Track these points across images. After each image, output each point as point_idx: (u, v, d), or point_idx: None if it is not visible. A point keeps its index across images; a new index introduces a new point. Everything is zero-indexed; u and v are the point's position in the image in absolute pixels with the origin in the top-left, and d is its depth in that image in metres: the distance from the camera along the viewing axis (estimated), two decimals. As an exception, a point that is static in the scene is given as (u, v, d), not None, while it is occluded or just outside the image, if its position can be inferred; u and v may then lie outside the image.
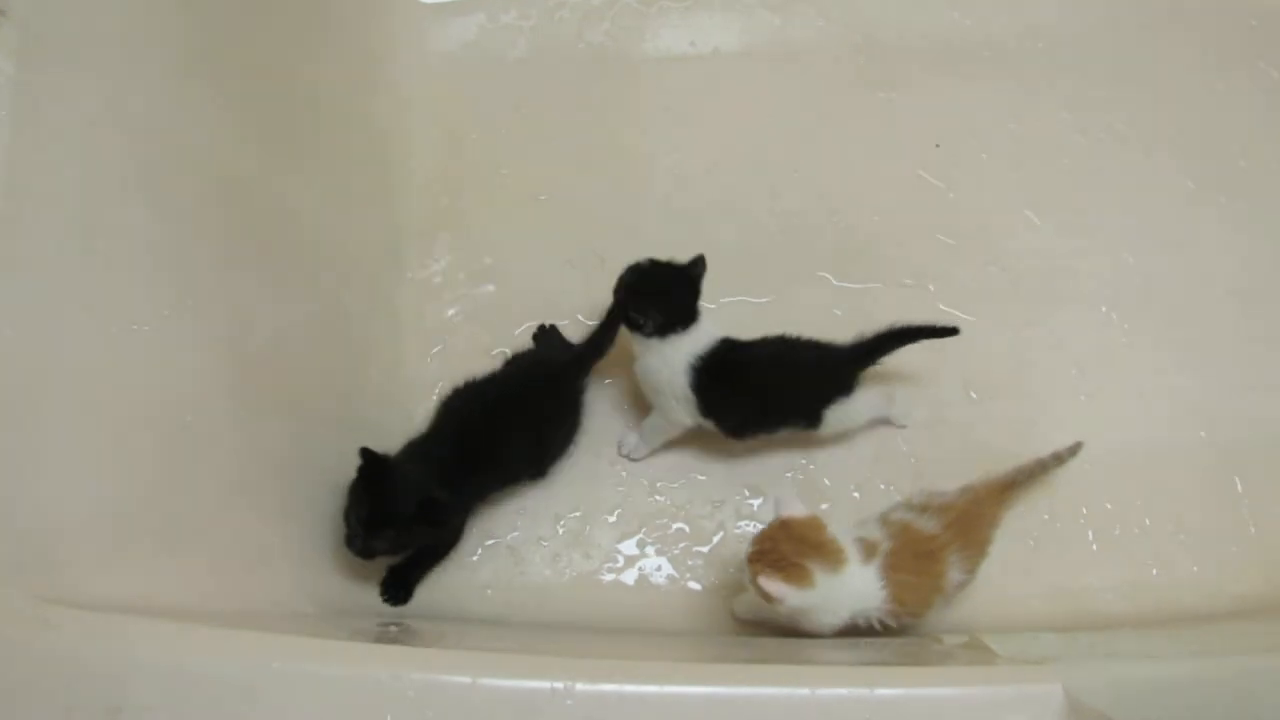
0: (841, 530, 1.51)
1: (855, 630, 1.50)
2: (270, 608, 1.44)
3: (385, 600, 1.62)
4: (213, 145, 1.58)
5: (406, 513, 1.52)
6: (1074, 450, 1.68)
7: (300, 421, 1.63)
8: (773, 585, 1.41)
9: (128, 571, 1.28)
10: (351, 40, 1.89)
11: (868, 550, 1.50)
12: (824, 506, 1.75)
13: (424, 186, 1.91)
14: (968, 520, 1.57)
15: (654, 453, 1.77)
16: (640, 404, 1.76)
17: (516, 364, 1.74)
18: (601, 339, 1.72)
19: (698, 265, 1.69)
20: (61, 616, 1.12)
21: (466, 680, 1.08)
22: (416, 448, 1.63)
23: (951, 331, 1.71)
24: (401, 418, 1.78)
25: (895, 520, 1.56)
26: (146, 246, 1.42)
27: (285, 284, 1.68)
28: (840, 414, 1.71)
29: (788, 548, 1.45)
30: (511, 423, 1.65)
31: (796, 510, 1.48)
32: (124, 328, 1.35)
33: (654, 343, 1.66)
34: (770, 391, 1.69)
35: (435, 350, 1.83)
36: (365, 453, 1.51)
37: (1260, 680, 1.19)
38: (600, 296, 1.83)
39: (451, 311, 1.86)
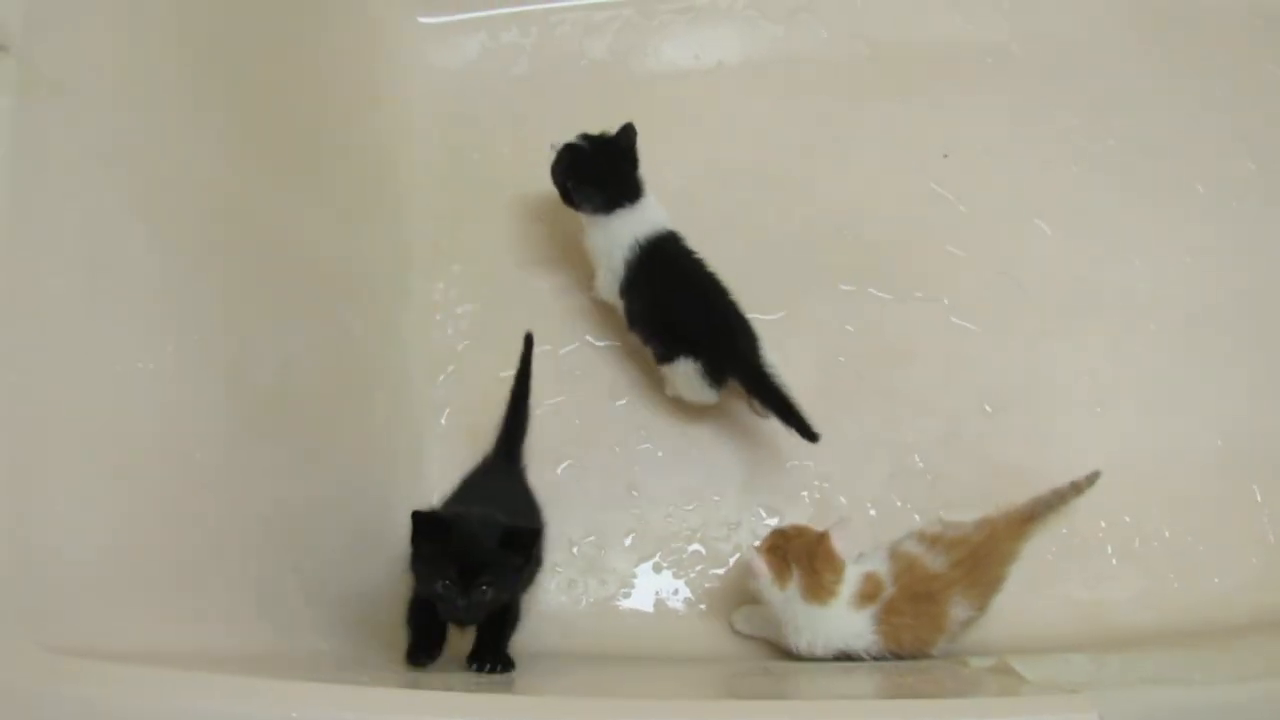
0: (857, 571, 1.53)
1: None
2: (284, 649, 1.42)
3: (419, 663, 1.45)
4: (215, 175, 1.56)
5: (493, 548, 1.40)
6: (1092, 480, 1.65)
7: (308, 452, 1.61)
8: (756, 561, 1.51)
9: (137, 616, 1.25)
10: (352, 62, 1.87)
11: (867, 594, 1.51)
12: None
13: (427, 208, 1.89)
14: (979, 558, 1.55)
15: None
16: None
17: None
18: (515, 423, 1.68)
19: (627, 134, 1.71)
20: (71, 666, 1.10)
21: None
22: None
23: (811, 438, 1.63)
24: (410, 442, 1.77)
25: (903, 554, 1.56)
26: (150, 281, 1.40)
27: (290, 312, 1.65)
28: (681, 373, 1.70)
29: (796, 550, 1.51)
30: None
31: (841, 542, 1.52)
32: (129, 366, 1.33)
33: (600, 219, 1.70)
34: (684, 311, 1.70)
35: (443, 375, 1.81)
36: (418, 515, 1.38)
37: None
38: (607, 314, 1.82)
39: (458, 334, 1.84)
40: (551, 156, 1.72)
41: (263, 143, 1.66)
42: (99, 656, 1.12)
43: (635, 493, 1.75)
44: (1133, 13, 2.05)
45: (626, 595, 1.70)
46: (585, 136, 1.72)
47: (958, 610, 1.53)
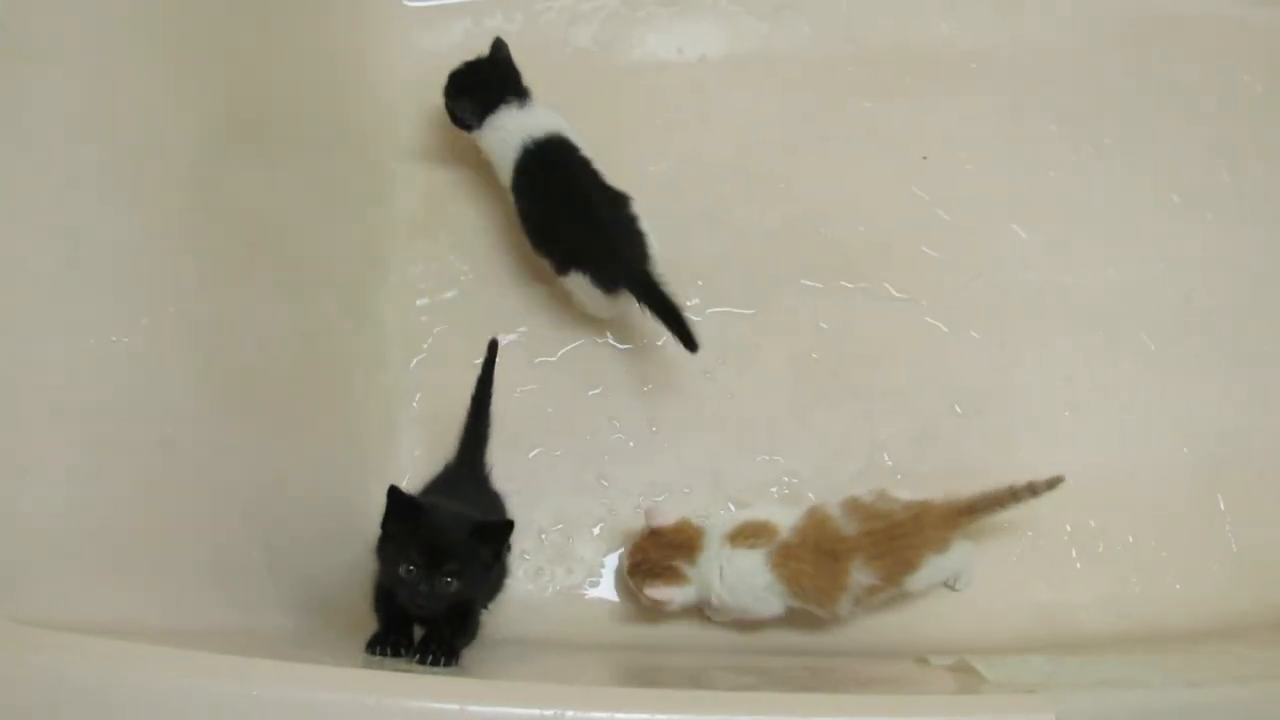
0: (727, 519, 1.60)
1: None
2: (249, 625, 1.42)
3: (434, 662, 1.37)
4: (195, 150, 1.56)
5: (462, 539, 1.37)
6: (1052, 483, 1.62)
7: (281, 431, 1.61)
8: (657, 592, 1.56)
9: (105, 589, 1.26)
10: (335, 43, 1.87)
11: (745, 534, 1.56)
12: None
13: (407, 191, 1.89)
14: (895, 535, 1.56)
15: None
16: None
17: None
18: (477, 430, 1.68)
19: (497, 48, 1.76)
20: (39, 638, 1.10)
21: (454, 708, 1.07)
22: None
23: (691, 348, 1.65)
24: (384, 425, 1.77)
25: (819, 511, 1.58)
26: (126, 255, 1.40)
27: (267, 291, 1.65)
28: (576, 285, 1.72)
29: (656, 554, 1.57)
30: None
31: (665, 520, 1.58)
32: (103, 339, 1.33)
33: (488, 125, 1.72)
34: (571, 220, 1.71)
35: (418, 358, 1.81)
36: (394, 492, 1.36)
37: (1248, 710, 1.19)
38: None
39: (435, 318, 1.84)
40: None
41: (244, 120, 1.66)
42: (66, 628, 1.12)
43: (605, 482, 1.76)
44: (1115, 22, 2.06)
45: (594, 584, 1.71)
46: (462, 63, 1.77)
47: (860, 575, 1.53)
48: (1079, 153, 1.98)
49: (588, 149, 1.74)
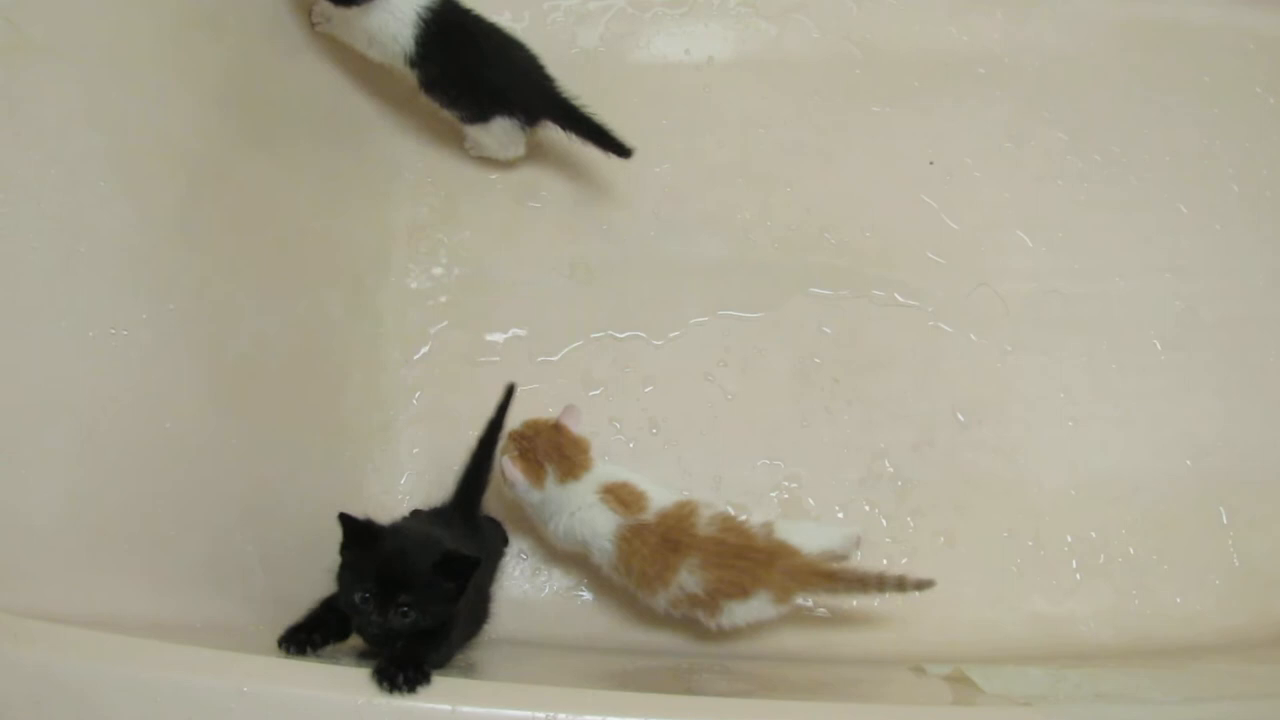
0: (618, 472, 1.59)
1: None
2: (241, 621, 1.41)
3: (394, 689, 1.13)
4: (197, 145, 1.56)
5: (423, 569, 1.26)
6: (922, 585, 1.53)
7: (279, 427, 1.61)
8: (513, 471, 1.54)
9: (96, 581, 1.26)
10: (337, 41, 1.86)
11: (618, 496, 1.55)
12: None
13: (412, 188, 1.89)
14: (745, 555, 1.52)
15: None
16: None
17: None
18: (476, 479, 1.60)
19: None
20: (32, 630, 1.11)
21: (446, 709, 1.07)
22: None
23: (623, 154, 1.75)
24: (381, 423, 1.77)
25: (689, 505, 1.56)
26: (127, 248, 1.40)
27: (268, 286, 1.66)
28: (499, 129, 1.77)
29: (542, 446, 1.56)
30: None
31: (575, 425, 1.59)
32: (102, 332, 1.33)
33: (378, 8, 1.67)
34: (490, 69, 1.74)
35: (418, 356, 1.81)
36: (345, 519, 1.26)
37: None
38: (586, 306, 1.83)
39: (435, 317, 1.83)
40: None
41: (247, 115, 1.66)
42: (56, 620, 1.13)
43: (605, 484, 1.75)
44: (1124, 31, 2.05)
45: (590, 586, 1.70)
46: None
47: (688, 578, 1.51)
48: (1086, 161, 1.97)
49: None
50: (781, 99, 1.98)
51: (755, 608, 1.54)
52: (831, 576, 1.54)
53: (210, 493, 1.45)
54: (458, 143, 1.89)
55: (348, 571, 1.27)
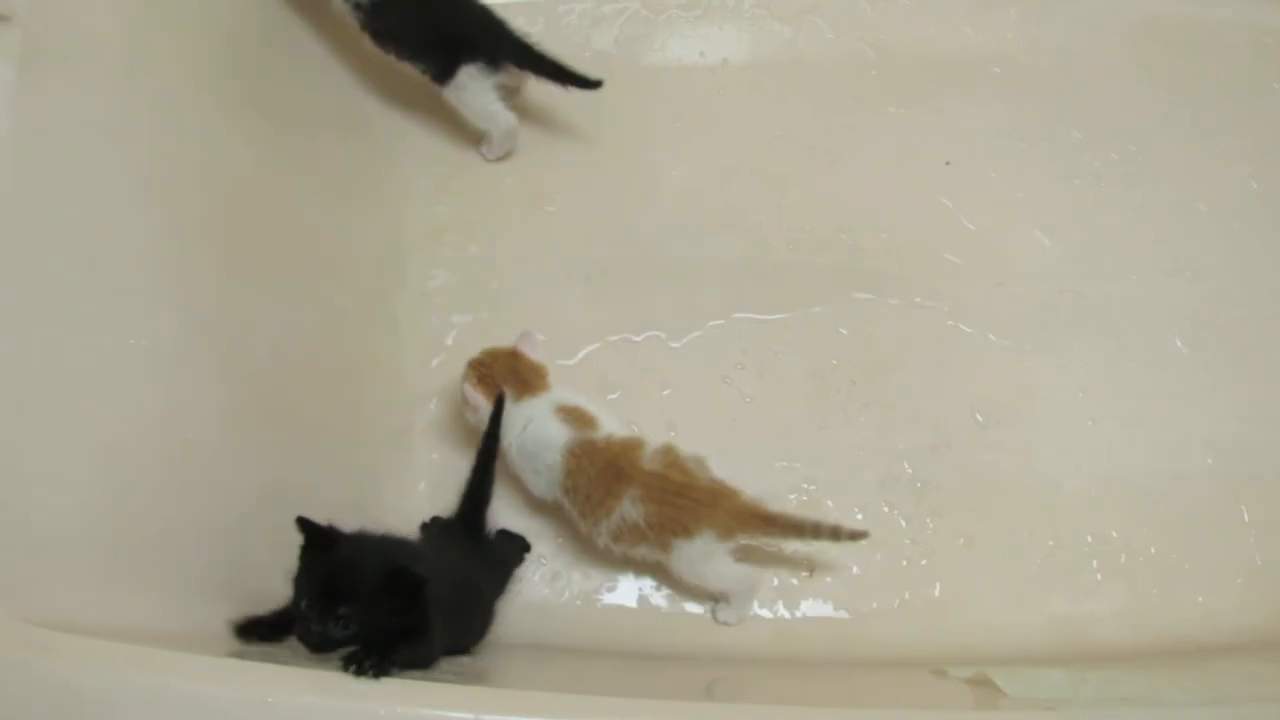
0: (575, 398, 1.63)
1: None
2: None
3: (359, 673, 1.15)
4: (216, 153, 1.57)
5: (369, 583, 1.23)
6: (856, 535, 1.58)
7: (297, 434, 1.61)
8: (474, 395, 1.60)
9: (118, 592, 1.26)
10: (355, 46, 1.86)
11: (572, 415, 1.60)
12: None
13: (427, 194, 1.89)
14: (687, 493, 1.53)
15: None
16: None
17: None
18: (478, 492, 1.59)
19: None
20: (52, 641, 1.10)
21: (469, 717, 1.07)
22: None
23: (591, 85, 1.78)
24: (399, 429, 1.76)
25: (637, 438, 1.58)
26: (147, 257, 1.41)
27: (286, 293, 1.66)
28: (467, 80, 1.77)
29: (500, 371, 1.61)
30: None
31: (531, 352, 1.64)
32: (121, 342, 1.33)
33: None
34: (448, 13, 1.77)
35: (435, 361, 1.81)
36: (302, 523, 1.26)
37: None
38: (603, 310, 1.82)
39: (452, 321, 1.83)
40: None
41: (264, 124, 1.67)
42: (78, 631, 1.12)
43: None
44: (1139, 29, 2.05)
45: (610, 589, 1.70)
46: None
47: (630, 508, 1.53)
48: (1103, 159, 1.96)
49: None
50: (796, 101, 1.97)
51: (702, 547, 1.55)
52: (770, 520, 1.56)
53: (228, 501, 1.45)
54: (473, 148, 1.89)
55: (300, 574, 1.26)
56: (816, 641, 1.67)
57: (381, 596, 1.22)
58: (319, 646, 1.21)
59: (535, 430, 1.59)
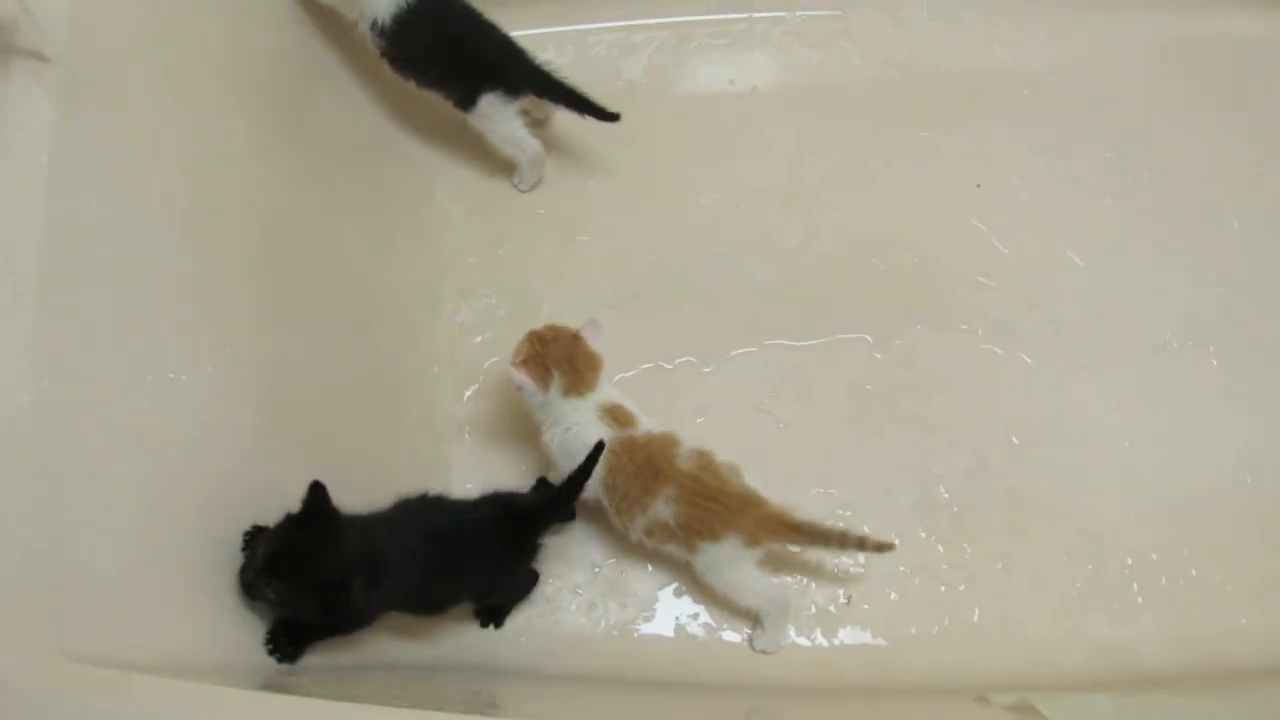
0: (619, 395, 1.62)
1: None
2: (301, 662, 1.42)
3: (271, 654, 1.38)
4: (251, 188, 1.58)
5: (310, 580, 1.33)
6: (882, 546, 1.59)
7: (335, 463, 1.60)
8: (520, 376, 1.57)
9: (156, 627, 1.27)
10: (390, 91, 1.87)
11: (615, 415, 1.59)
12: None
13: (461, 226, 1.89)
14: (716, 498, 1.55)
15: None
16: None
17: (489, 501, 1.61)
18: (568, 497, 1.60)
19: None
20: (91, 676, 1.11)
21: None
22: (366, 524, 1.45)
23: (610, 118, 1.77)
24: (435, 459, 1.76)
25: (671, 438, 1.59)
26: (187, 291, 1.41)
27: (322, 324, 1.66)
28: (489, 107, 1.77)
29: (554, 354, 1.59)
30: (469, 551, 1.54)
31: (595, 340, 1.61)
32: (161, 376, 1.34)
33: None
34: (471, 45, 1.75)
35: (470, 392, 1.80)
36: (316, 487, 1.34)
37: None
38: (636, 337, 1.82)
39: (486, 352, 1.83)
40: None
41: (301, 158, 1.68)
42: (118, 666, 1.13)
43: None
44: (1168, 47, 2.03)
45: (647, 619, 1.69)
46: None
47: (663, 507, 1.54)
48: (1135, 178, 1.95)
49: None
50: (826, 125, 1.97)
51: (728, 552, 1.56)
52: (797, 529, 1.57)
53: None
54: (506, 178, 1.89)
55: (280, 524, 1.36)
56: (855, 669, 1.65)
57: (311, 595, 1.33)
58: (248, 591, 1.36)
59: (577, 433, 1.59)
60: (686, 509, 1.54)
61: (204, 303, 1.44)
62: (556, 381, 1.58)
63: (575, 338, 1.61)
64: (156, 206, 1.39)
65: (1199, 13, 2.03)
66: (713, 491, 1.55)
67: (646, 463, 1.56)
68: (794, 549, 1.67)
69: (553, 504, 1.60)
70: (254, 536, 1.41)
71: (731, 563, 1.58)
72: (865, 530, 1.60)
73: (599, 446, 1.54)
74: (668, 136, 1.93)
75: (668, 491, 1.54)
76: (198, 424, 1.38)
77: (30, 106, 1.22)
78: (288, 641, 1.39)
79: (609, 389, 1.63)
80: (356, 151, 1.82)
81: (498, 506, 1.59)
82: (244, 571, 1.36)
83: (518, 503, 1.61)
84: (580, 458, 1.56)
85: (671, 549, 1.60)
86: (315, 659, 1.43)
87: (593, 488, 1.58)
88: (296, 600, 1.34)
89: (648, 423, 1.62)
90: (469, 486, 1.74)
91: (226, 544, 1.39)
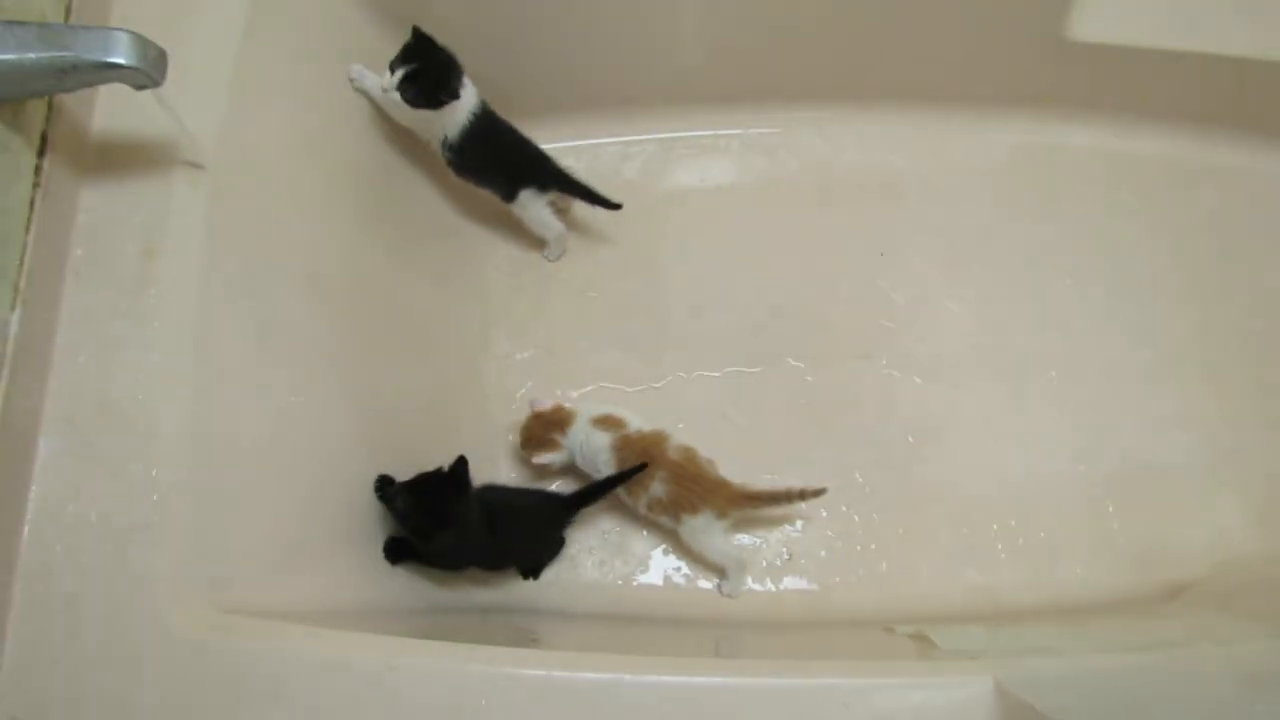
0: (598, 408, 1.62)
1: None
2: (394, 605, 1.41)
3: (385, 556, 1.44)
4: (351, 256, 1.57)
5: (427, 510, 1.38)
6: (817, 492, 1.60)
7: (411, 463, 1.59)
8: (541, 459, 1.60)
9: (287, 584, 1.25)
10: (441, 189, 1.87)
11: (607, 423, 1.59)
12: (799, 524, 1.70)
13: (504, 286, 1.88)
14: (696, 480, 1.55)
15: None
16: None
17: (537, 493, 1.66)
18: (594, 496, 1.60)
19: (427, 42, 1.58)
20: (236, 623, 1.10)
21: (542, 674, 1.05)
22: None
23: (613, 207, 1.77)
24: (487, 457, 1.74)
25: (661, 434, 1.59)
26: (305, 334, 1.41)
27: (401, 358, 1.66)
28: (526, 199, 1.76)
29: (539, 431, 1.60)
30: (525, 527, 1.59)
31: (544, 406, 1.63)
32: (285, 400, 1.33)
33: (449, 108, 1.62)
34: (513, 154, 1.73)
35: (513, 407, 1.79)
36: (462, 460, 1.40)
37: (1141, 673, 1.14)
38: (634, 366, 1.81)
39: (523, 378, 1.82)
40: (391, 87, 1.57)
41: (386, 233, 1.68)
42: (261, 615, 1.12)
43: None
44: (1018, 151, 2.02)
45: (643, 572, 1.68)
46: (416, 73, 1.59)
47: (657, 486, 1.55)
48: (993, 250, 1.95)
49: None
50: (771, 212, 1.96)
51: (704, 522, 1.56)
52: (755, 497, 1.58)
53: (361, 510, 1.45)
54: (538, 251, 1.89)
55: (430, 478, 1.40)
56: (795, 608, 1.64)
57: (428, 524, 1.37)
58: (384, 497, 1.43)
59: (589, 442, 1.59)
60: (675, 488, 1.55)
61: (316, 342, 1.43)
62: (555, 436, 1.60)
63: (535, 416, 1.63)
64: (285, 274, 1.39)
65: (1039, 127, 2.02)
66: (694, 476, 1.55)
67: (644, 452, 1.56)
68: (754, 514, 1.66)
69: (587, 498, 1.59)
70: (383, 484, 1.45)
71: (706, 530, 1.58)
72: (801, 487, 1.60)
73: (638, 467, 1.55)
74: (656, 221, 1.93)
75: (661, 475, 1.55)
76: (313, 433, 1.38)
77: (188, 203, 1.22)
78: (393, 551, 1.44)
79: (589, 407, 1.63)
80: (427, 231, 1.82)
81: (544, 498, 1.62)
82: (389, 486, 1.43)
83: (559, 496, 1.62)
84: (596, 458, 1.58)
85: (663, 520, 1.59)
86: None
87: (609, 457, 1.59)
88: (410, 520, 1.37)
89: (636, 421, 1.62)
90: (513, 476, 1.73)
91: (336, 518, 1.39)
